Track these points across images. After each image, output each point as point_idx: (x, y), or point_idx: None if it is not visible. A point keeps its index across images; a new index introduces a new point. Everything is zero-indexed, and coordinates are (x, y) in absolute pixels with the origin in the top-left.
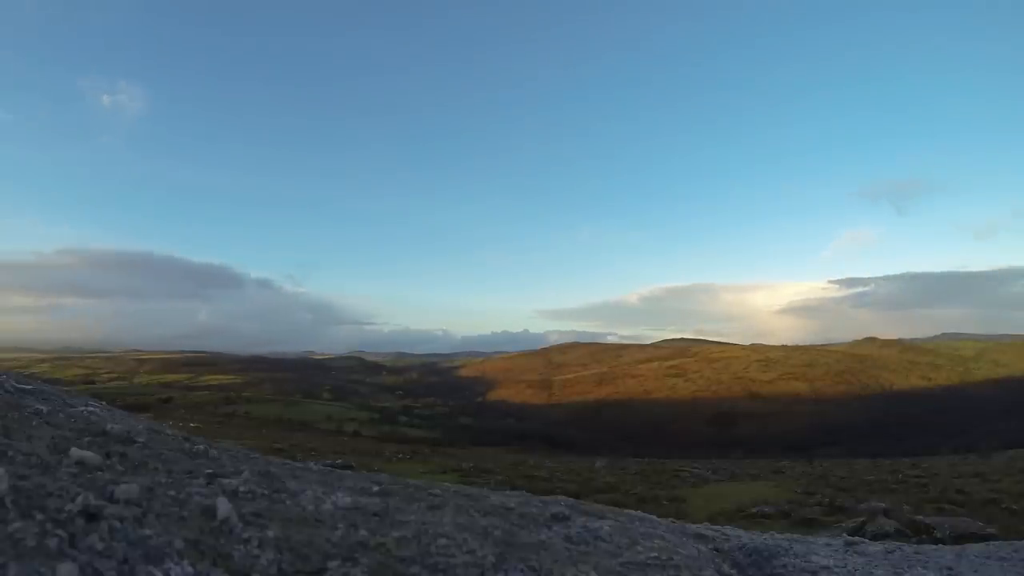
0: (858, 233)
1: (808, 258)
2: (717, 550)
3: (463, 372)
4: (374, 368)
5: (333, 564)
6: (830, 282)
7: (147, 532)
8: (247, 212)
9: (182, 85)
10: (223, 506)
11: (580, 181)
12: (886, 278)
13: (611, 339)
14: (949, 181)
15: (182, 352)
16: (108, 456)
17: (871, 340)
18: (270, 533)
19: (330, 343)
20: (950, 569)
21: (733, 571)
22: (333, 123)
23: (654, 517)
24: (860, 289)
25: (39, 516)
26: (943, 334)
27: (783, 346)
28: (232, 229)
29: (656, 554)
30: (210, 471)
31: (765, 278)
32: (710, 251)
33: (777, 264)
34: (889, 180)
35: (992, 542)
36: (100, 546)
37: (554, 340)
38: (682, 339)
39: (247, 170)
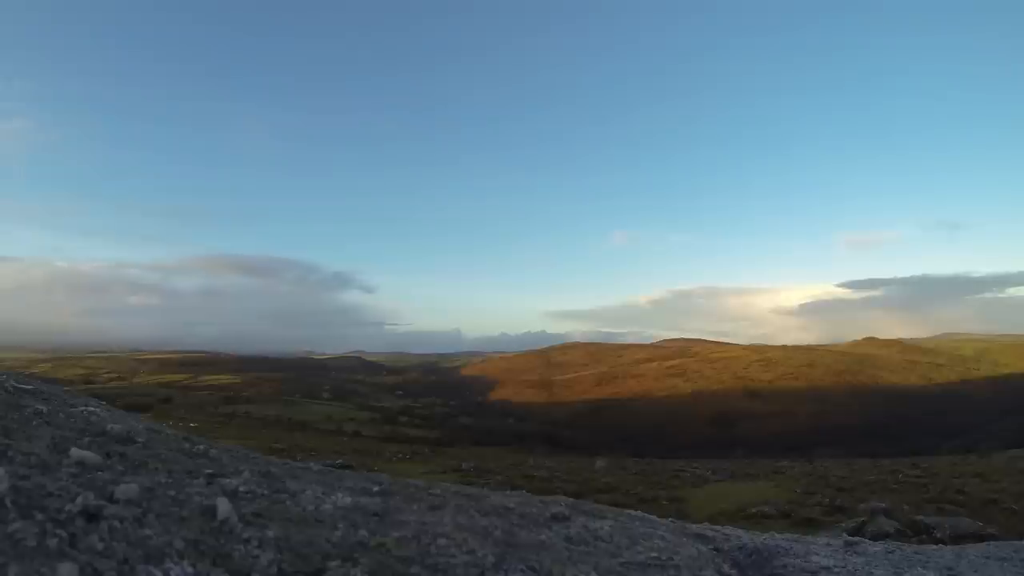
0: (866, 237)
1: (818, 261)
2: (717, 550)
3: (463, 372)
4: (374, 368)
5: (333, 564)
6: (838, 285)
7: (147, 532)
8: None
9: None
10: (223, 506)
11: (596, 180)
12: (895, 281)
13: (631, 339)
14: (958, 186)
15: (182, 352)
16: (108, 456)
17: (871, 340)
18: (270, 533)
19: (361, 343)
20: (950, 569)
21: (733, 571)
22: (364, 123)
23: (654, 517)
24: (870, 292)
25: (39, 516)
26: (943, 334)
27: (783, 346)
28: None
29: (656, 554)
30: (210, 471)
31: (775, 281)
32: (721, 254)
33: (787, 267)
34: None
35: (992, 542)
36: (100, 546)
37: (579, 339)
38: (682, 339)
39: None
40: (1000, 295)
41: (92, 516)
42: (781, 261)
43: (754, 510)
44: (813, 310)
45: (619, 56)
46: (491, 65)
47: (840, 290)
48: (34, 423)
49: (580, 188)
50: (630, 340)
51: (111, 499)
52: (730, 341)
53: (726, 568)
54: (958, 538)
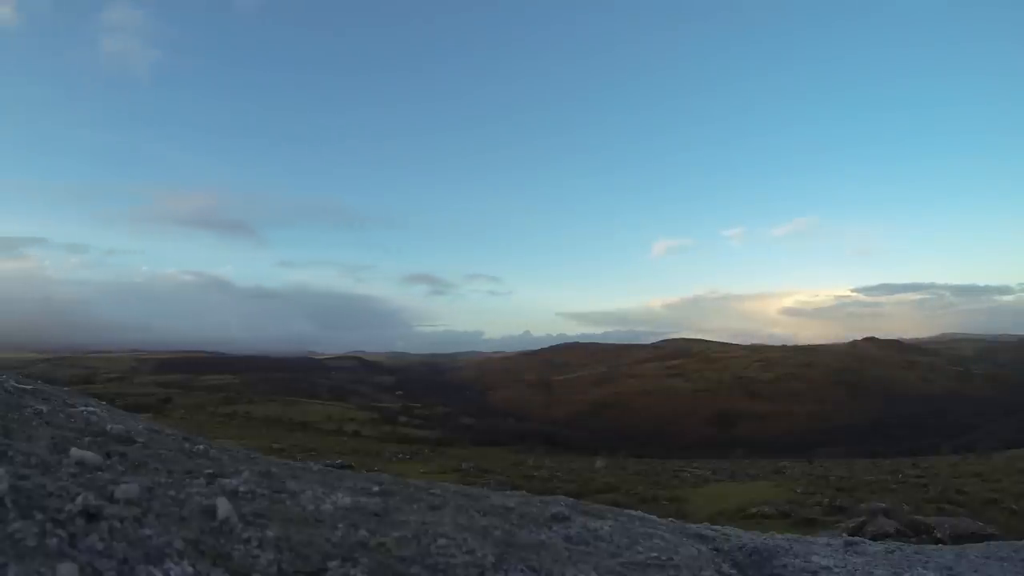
0: (878, 244)
1: (830, 266)
2: (717, 550)
3: (463, 372)
4: (374, 368)
5: (333, 564)
6: (853, 290)
7: (147, 532)
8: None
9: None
10: (223, 506)
11: (625, 187)
12: (905, 286)
13: (649, 341)
14: (967, 195)
15: (182, 352)
16: (108, 456)
17: (871, 340)
18: (270, 533)
19: (375, 343)
20: (950, 569)
21: (733, 571)
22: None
23: (654, 517)
24: (881, 297)
25: (39, 516)
26: (943, 334)
27: (783, 346)
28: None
29: (656, 554)
30: (210, 471)
31: (784, 284)
32: (734, 258)
33: (799, 271)
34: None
35: (992, 542)
36: (100, 546)
37: (610, 341)
38: (682, 339)
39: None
40: (1005, 298)
41: (92, 516)
42: (794, 265)
43: (754, 510)
44: (824, 313)
45: (621, 59)
46: (512, 63)
47: (854, 294)
48: (34, 423)
49: (590, 189)
50: (646, 342)
51: (111, 499)
52: (736, 342)
53: (726, 568)
54: (958, 538)
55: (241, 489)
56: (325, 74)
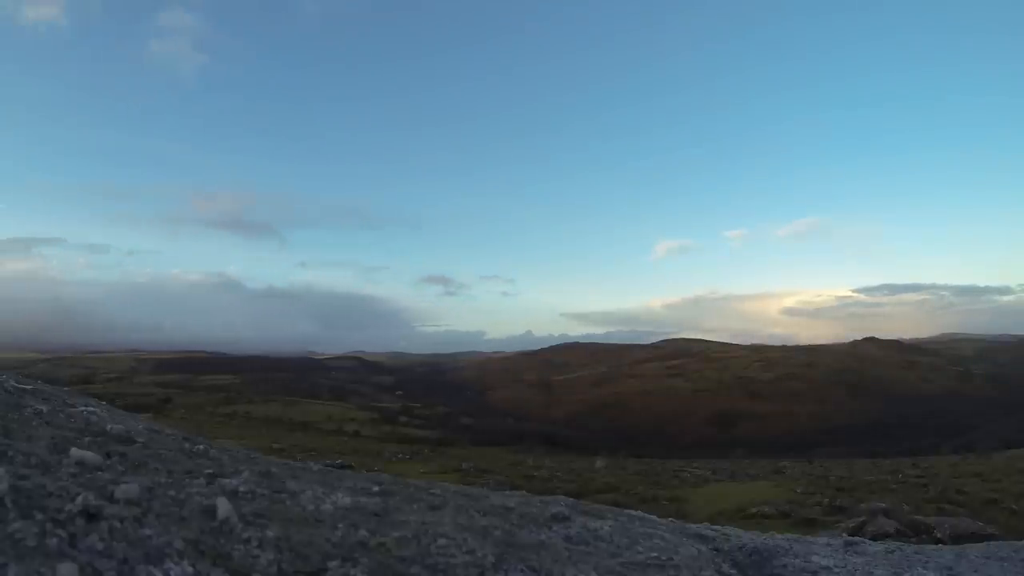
0: (876, 242)
1: (829, 264)
2: (717, 550)
3: (464, 372)
4: (374, 368)
5: (333, 564)
6: (854, 290)
7: (147, 532)
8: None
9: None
10: (223, 506)
11: (629, 185)
12: (907, 287)
13: (650, 341)
14: (968, 192)
15: (182, 352)
16: (108, 456)
17: (871, 340)
18: (270, 533)
19: (373, 343)
20: (950, 569)
21: (733, 571)
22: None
23: (654, 517)
24: (883, 297)
25: (39, 516)
26: (943, 334)
27: (783, 346)
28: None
29: (656, 554)
30: (210, 471)
31: (785, 285)
32: (736, 259)
33: (798, 270)
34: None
35: (992, 542)
36: (100, 546)
37: (611, 341)
38: (682, 339)
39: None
40: (1005, 298)
41: (92, 516)
42: (795, 266)
43: (754, 510)
44: (825, 313)
45: (623, 60)
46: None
47: (855, 295)
48: (34, 423)
49: (593, 190)
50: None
51: (111, 499)
52: (736, 342)
53: (726, 568)
54: (958, 538)
55: (241, 489)
56: (349, 75)
